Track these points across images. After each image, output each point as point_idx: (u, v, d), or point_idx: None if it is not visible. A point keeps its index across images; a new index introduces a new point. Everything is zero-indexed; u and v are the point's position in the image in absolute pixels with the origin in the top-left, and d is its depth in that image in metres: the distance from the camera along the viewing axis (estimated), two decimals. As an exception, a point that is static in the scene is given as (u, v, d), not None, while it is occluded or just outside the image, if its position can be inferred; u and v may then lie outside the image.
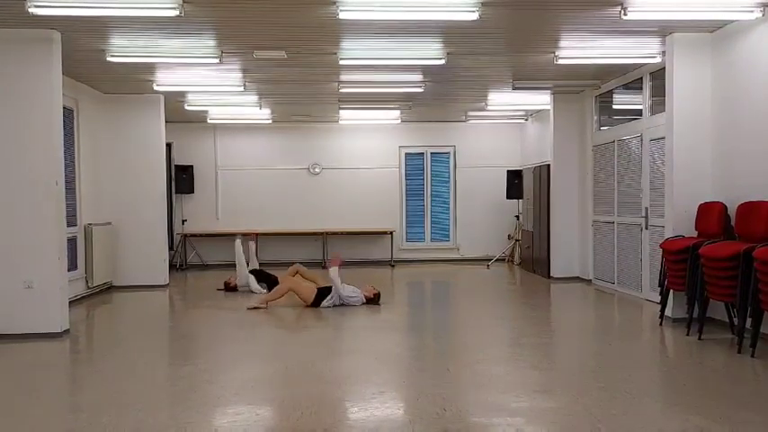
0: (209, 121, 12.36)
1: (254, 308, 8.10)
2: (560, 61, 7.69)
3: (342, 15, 5.72)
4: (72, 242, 8.61)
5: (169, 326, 7.84)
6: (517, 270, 12.16)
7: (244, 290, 9.52)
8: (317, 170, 13.41)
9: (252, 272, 9.69)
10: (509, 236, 13.24)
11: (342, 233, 12.39)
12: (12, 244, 6.49)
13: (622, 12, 5.82)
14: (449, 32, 6.73)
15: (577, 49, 7.47)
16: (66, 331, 6.69)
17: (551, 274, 10.43)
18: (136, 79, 8.84)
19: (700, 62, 6.85)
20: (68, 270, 7.12)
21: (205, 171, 13.16)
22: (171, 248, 11.97)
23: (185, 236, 12.87)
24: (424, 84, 9.22)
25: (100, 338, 7.31)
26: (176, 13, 5.58)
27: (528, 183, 11.91)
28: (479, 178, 13.50)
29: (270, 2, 5.76)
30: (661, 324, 6.82)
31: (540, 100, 10.72)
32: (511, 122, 13.34)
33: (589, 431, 3.76)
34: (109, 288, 9.86)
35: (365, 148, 13.46)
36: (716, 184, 6.77)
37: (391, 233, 13.14)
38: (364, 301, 8.20)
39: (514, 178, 12.58)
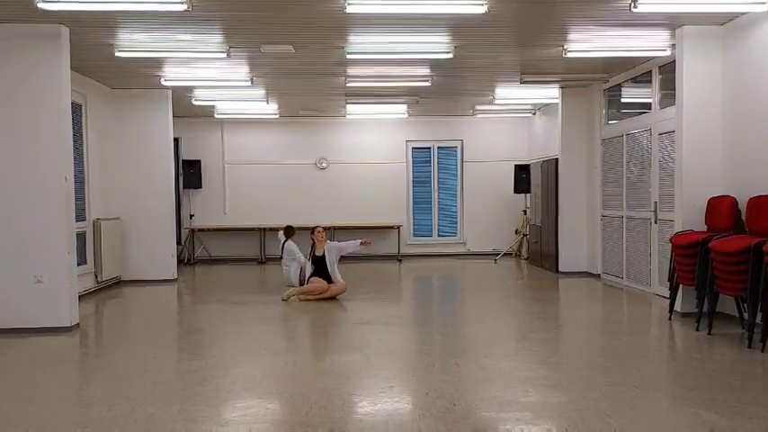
0: (216, 115, 12.38)
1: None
2: (569, 55, 7.65)
3: (349, 9, 5.71)
4: (81, 237, 8.63)
5: (178, 320, 7.87)
6: (525, 265, 12.13)
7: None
8: (324, 165, 13.40)
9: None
10: (516, 230, 13.20)
11: (349, 228, 12.38)
12: (22, 239, 6.52)
13: (632, 4, 5.77)
14: (457, 26, 6.71)
15: (586, 43, 7.43)
16: (76, 325, 6.73)
17: (559, 269, 10.40)
18: (144, 74, 8.85)
19: (710, 55, 6.79)
20: (78, 264, 7.15)
21: (213, 166, 13.18)
22: (179, 243, 11.99)
23: (193, 230, 12.91)
24: (432, 78, 9.19)
25: (109, 333, 7.34)
26: (184, 7, 5.58)
27: (535, 177, 11.87)
28: (487, 172, 13.46)
29: (277, -4, 5.76)
30: (670, 319, 6.80)
31: (548, 94, 10.68)
32: (518, 116, 13.29)
33: (598, 426, 3.75)
34: (118, 282, 9.90)
35: (372, 143, 13.44)
36: (726, 177, 6.72)
37: (398, 228, 13.13)
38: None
39: (522, 172, 12.55)
